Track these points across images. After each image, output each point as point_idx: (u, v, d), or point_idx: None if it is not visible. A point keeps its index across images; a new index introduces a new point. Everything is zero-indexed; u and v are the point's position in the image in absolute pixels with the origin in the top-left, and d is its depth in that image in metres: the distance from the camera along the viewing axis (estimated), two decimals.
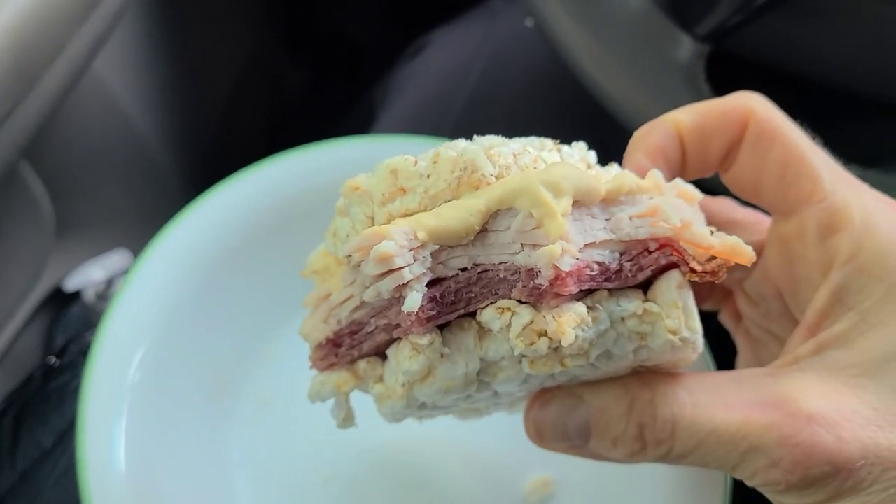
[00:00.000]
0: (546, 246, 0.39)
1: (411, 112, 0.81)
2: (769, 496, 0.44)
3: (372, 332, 0.44)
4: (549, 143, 0.45)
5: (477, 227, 0.40)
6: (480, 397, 0.47)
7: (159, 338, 0.64)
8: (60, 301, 0.78)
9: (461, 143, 0.43)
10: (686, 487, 0.60)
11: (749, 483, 0.44)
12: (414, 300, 0.39)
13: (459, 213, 0.40)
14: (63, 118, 0.79)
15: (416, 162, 0.42)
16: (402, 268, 0.39)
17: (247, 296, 0.70)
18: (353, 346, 0.45)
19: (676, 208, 0.42)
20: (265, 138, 0.71)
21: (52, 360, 0.75)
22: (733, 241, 0.41)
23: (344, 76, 1.10)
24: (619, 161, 0.49)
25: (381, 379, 0.45)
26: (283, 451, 0.67)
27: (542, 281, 0.39)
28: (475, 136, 0.44)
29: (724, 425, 0.42)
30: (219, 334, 0.68)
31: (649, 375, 0.45)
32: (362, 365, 0.45)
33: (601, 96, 0.62)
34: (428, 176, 0.42)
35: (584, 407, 0.46)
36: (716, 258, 0.42)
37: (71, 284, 0.78)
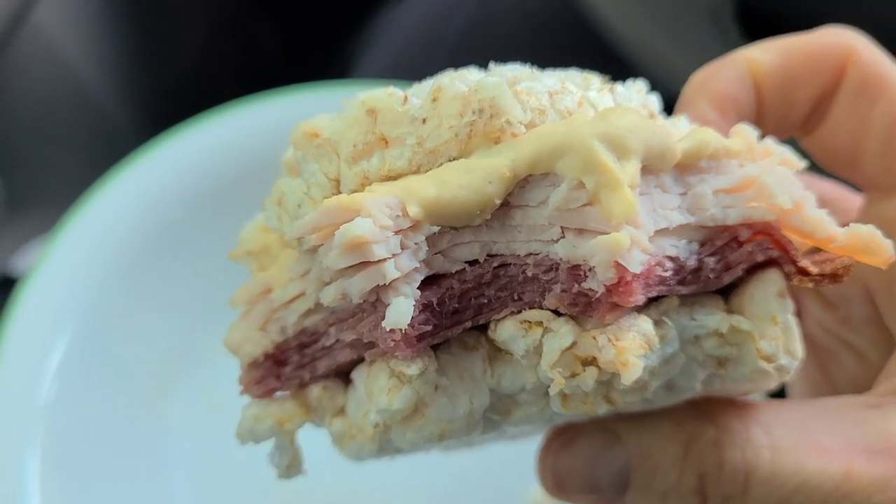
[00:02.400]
0: (605, 234, 0.26)
1: (392, 58, 0.73)
2: None
3: (331, 346, 0.31)
4: (595, 80, 0.32)
5: (497, 201, 0.27)
6: (478, 438, 0.34)
7: (81, 331, 0.55)
8: (8, 285, 0.69)
9: (472, 72, 0.30)
10: None
11: None
12: (402, 311, 0.26)
13: (471, 179, 0.27)
14: (7, 84, 0.74)
15: (405, 99, 0.29)
16: (384, 260, 0.26)
17: (191, 278, 0.60)
18: (302, 364, 0.32)
19: (783, 181, 0.29)
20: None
21: None
22: (867, 232, 0.29)
23: (324, 34, 1.02)
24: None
25: (341, 412, 0.32)
26: (235, 466, 0.56)
27: (596, 285, 0.26)
28: (492, 65, 0.30)
29: (818, 478, 0.33)
30: (156, 325, 0.59)
31: (709, 405, 0.35)
32: (316, 391, 0.32)
33: (613, 38, 0.55)
34: (423, 120, 0.29)
35: (622, 448, 0.35)
36: (832, 256, 0.29)
37: (20, 265, 0.70)
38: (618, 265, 0.26)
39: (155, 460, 0.57)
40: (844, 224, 0.40)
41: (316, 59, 0.87)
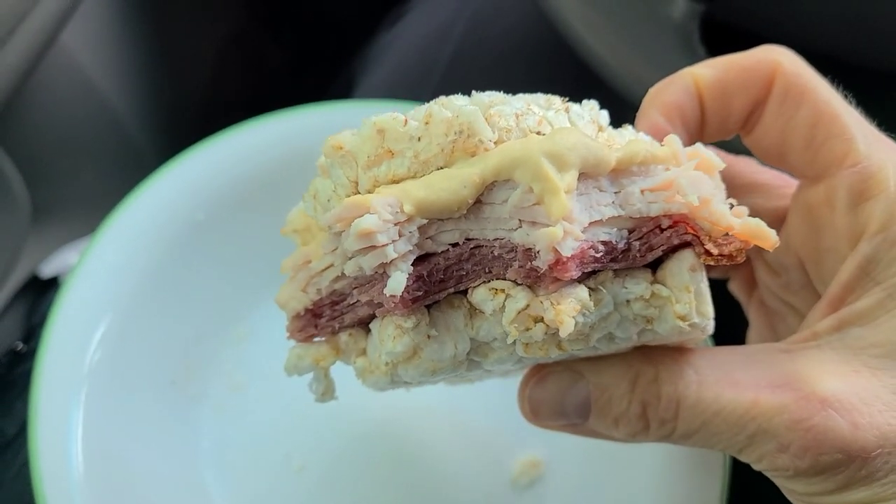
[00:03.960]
0: (546, 227, 0.35)
1: (390, 78, 0.77)
2: (777, 482, 0.42)
3: (354, 304, 0.40)
4: (556, 101, 0.40)
5: (470, 200, 0.36)
6: (471, 375, 0.43)
7: (119, 319, 0.60)
8: (38, 288, 0.75)
9: (457, 100, 0.38)
10: (682, 470, 0.58)
11: (756, 467, 0.42)
12: (397, 282, 0.36)
13: (451, 184, 0.36)
14: (36, 100, 0.75)
15: (406, 122, 0.38)
16: (386, 245, 0.35)
17: (216, 272, 0.65)
18: (333, 317, 0.41)
19: (694, 182, 0.38)
20: (247, 117, 0.68)
21: (19, 345, 0.71)
22: (755, 223, 0.37)
23: (327, 53, 1.06)
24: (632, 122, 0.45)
25: (363, 352, 0.42)
26: (255, 439, 0.63)
27: (541, 264, 0.35)
28: (474, 93, 0.39)
29: (732, 406, 0.40)
30: (185, 314, 0.64)
31: (654, 350, 0.43)
32: (344, 337, 0.42)
33: (590, 57, 0.58)
34: (419, 139, 0.37)
35: (584, 384, 0.43)
36: (734, 239, 0.38)
37: (48, 270, 0.74)
38: (555, 250, 0.35)
39: (182, 432, 0.62)
40: (781, 207, 0.48)
41: (320, 77, 0.89)
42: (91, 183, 0.82)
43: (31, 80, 0.70)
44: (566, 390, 0.44)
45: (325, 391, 0.43)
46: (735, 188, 0.48)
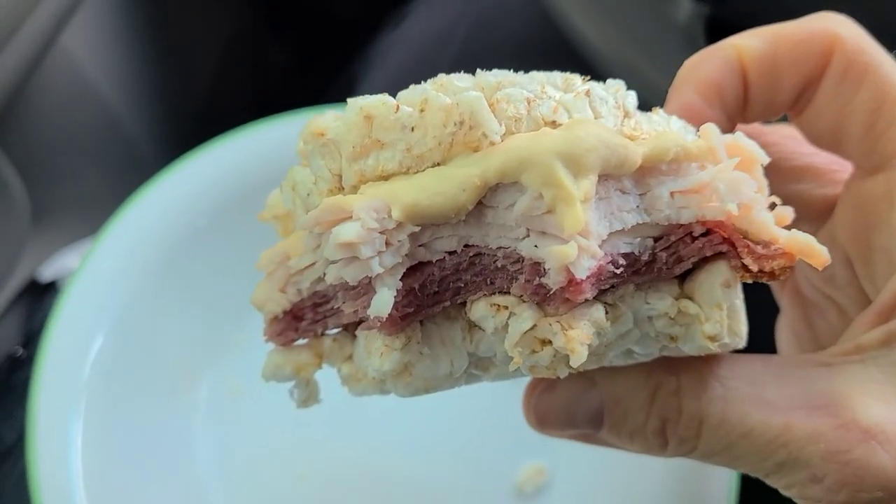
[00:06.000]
0: (558, 243, 0.30)
1: (392, 80, 0.74)
2: None
3: (339, 308, 0.36)
4: (577, 80, 0.34)
5: (470, 206, 0.31)
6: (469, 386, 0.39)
7: (118, 326, 0.59)
8: (37, 292, 0.73)
9: (459, 81, 0.33)
10: (690, 480, 0.55)
11: (784, 493, 0.38)
12: (383, 302, 0.31)
13: (448, 187, 0.31)
14: (36, 102, 0.74)
15: (397, 108, 0.32)
16: (370, 258, 0.31)
17: (215, 279, 0.64)
18: (316, 320, 0.37)
19: (734, 185, 0.32)
20: (249, 118, 0.67)
21: (19, 350, 0.70)
22: (804, 238, 0.32)
23: (329, 54, 1.04)
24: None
25: (350, 358, 0.37)
26: (255, 447, 0.62)
27: (551, 283, 0.30)
28: (479, 71, 0.34)
29: (760, 429, 0.36)
30: (184, 321, 0.63)
31: (675, 359, 0.38)
32: (328, 342, 0.37)
33: (594, 59, 0.57)
34: (412, 129, 0.32)
35: (597, 392, 0.39)
36: (778, 253, 0.32)
37: (47, 274, 0.72)
38: (567, 271, 0.30)
39: (182, 439, 0.62)
40: (831, 194, 0.42)
41: (322, 78, 0.89)
42: (91, 185, 0.82)
43: (32, 82, 0.69)
44: (577, 399, 0.40)
45: (308, 398, 0.39)
46: (781, 172, 0.42)
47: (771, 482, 0.38)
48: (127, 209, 0.61)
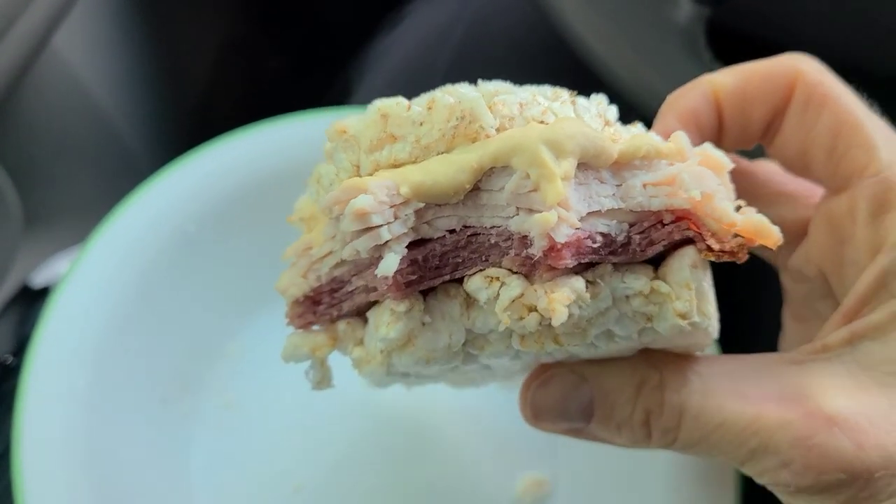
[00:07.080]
0: (541, 213, 0.34)
1: (388, 83, 0.76)
2: (779, 496, 0.41)
3: (352, 291, 0.40)
4: (564, 93, 0.40)
5: (467, 186, 0.36)
6: (469, 369, 0.43)
7: (107, 335, 0.58)
8: (29, 298, 0.72)
9: (462, 88, 0.38)
10: (693, 491, 0.56)
11: (758, 481, 0.41)
12: (389, 263, 0.35)
13: (449, 169, 0.36)
14: (28, 105, 0.74)
15: (409, 107, 0.38)
16: (380, 226, 0.35)
17: (208, 287, 0.64)
18: (332, 304, 0.41)
19: (698, 178, 0.37)
20: (244, 123, 0.67)
21: (9, 358, 0.68)
22: (758, 219, 0.36)
23: (324, 58, 1.04)
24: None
25: (361, 342, 0.41)
26: (249, 458, 0.61)
27: (535, 251, 0.35)
28: (480, 82, 0.39)
29: (734, 418, 0.39)
30: (176, 329, 0.62)
31: (660, 356, 0.42)
32: (342, 326, 0.42)
33: (592, 61, 0.57)
34: (421, 124, 0.37)
35: (588, 387, 0.43)
36: (738, 236, 0.37)
37: (39, 280, 0.72)
38: (549, 236, 0.35)
39: (173, 451, 0.60)
40: (807, 217, 0.47)
41: (318, 82, 0.89)
42: (84, 190, 0.81)
43: (23, 85, 0.69)
44: (569, 393, 0.43)
45: (322, 380, 0.42)
46: (760, 197, 0.47)
47: (746, 470, 0.40)
48: (116, 216, 0.60)
